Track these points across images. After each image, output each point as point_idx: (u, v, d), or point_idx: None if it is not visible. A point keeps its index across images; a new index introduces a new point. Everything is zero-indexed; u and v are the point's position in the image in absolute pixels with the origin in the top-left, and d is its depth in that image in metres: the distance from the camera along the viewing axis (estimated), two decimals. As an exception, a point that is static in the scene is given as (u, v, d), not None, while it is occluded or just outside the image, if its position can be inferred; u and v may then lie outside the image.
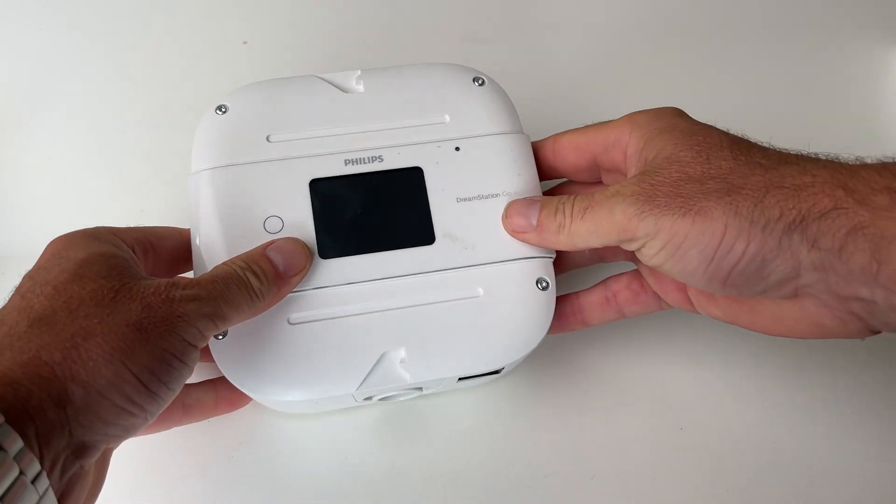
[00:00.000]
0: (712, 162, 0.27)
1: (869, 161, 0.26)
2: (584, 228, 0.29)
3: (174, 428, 0.32)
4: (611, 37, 0.50)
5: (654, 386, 0.37)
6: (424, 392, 0.33)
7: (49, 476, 0.22)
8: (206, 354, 0.29)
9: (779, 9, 0.52)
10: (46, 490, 0.21)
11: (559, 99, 0.46)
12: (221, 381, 0.33)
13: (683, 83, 0.48)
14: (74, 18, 0.50)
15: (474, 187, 0.32)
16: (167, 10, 0.51)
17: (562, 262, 0.35)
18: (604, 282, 0.34)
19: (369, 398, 0.32)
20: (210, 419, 0.34)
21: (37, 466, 0.21)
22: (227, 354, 0.29)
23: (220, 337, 0.29)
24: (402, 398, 0.33)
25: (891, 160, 0.26)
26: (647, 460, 0.35)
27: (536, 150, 0.34)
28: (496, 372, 0.32)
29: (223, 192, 0.31)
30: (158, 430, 0.32)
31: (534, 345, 0.31)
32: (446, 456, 0.34)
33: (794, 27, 0.51)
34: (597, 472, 0.34)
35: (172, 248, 0.31)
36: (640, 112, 0.31)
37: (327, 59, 0.49)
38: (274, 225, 0.31)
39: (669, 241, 0.27)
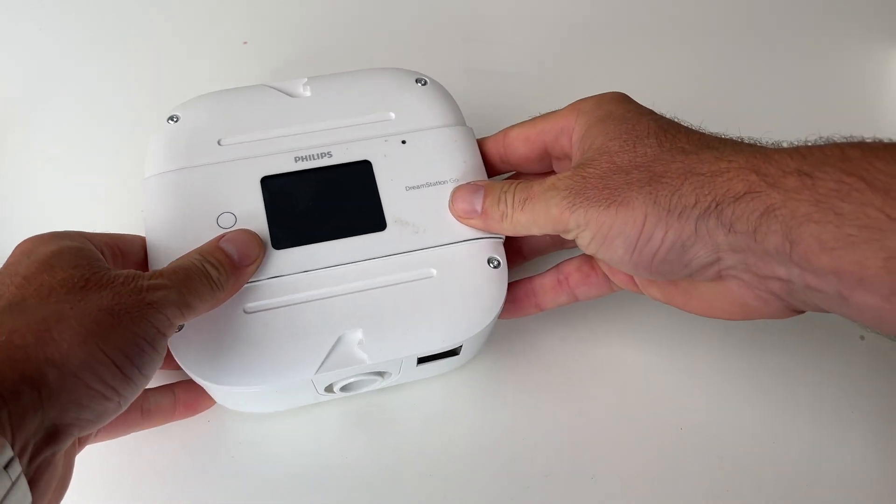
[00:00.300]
0: (638, 150, 0.29)
1: (785, 145, 0.27)
2: (524, 219, 0.31)
3: (154, 431, 0.32)
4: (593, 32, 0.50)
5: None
6: (387, 382, 0.33)
7: (20, 461, 0.22)
8: (166, 361, 0.29)
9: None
10: (19, 476, 0.21)
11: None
12: (180, 385, 0.34)
13: (677, 79, 0.48)
14: (74, 19, 0.50)
15: (422, 176, 0.34)
16: (167, 10, 0.51)
17: (523, 249, 0.36)
18: (557, 266, 0.35)
19: (330, 387, 0.32)
20: (210, 422, 0.34)
21: (9, 451, 0.21)
22: (184, 347, 0.30)
23: (176, 330, 0.30)
24: (364, 388, 0.33)
25: (804, 144, 0.26)
26: (647, 460, 0.35)
27: (487, 145, 0.36)
28: (455, 354, 0.33)
29: (176, 194, 0.32)
30: (118, 436, 0.32)
31: (488, 320, 0.32)
32: (445, 455, 0.34)
33: (773, 21, 0.51)
34: (597, 472, 0.34)
35: (140, 254, 0.32)
36: (584, 99, 0.33)
37: (328, 58, 0.49)
38: (227, 220, 0.32)
39: (597, 231, 0.28)
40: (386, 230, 0.33)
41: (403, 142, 0.35)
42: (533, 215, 0.30)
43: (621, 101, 0.32)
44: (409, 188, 0.34)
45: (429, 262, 0.32)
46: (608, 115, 0.31)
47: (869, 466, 0.35)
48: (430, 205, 0.33)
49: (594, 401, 0.36)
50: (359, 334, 0.30)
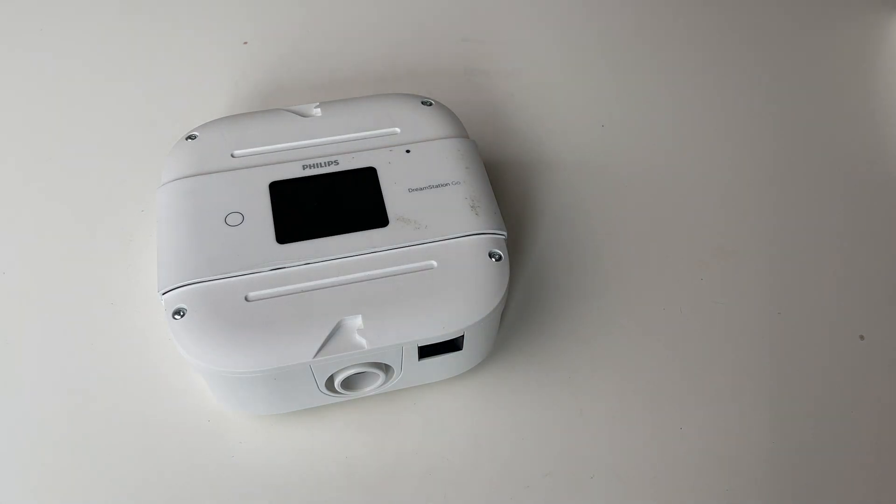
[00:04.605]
0: None
1: None
2: None
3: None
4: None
5: (648, 378, 0.37)
6: (390, 383, 0.33)
7: None
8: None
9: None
10: None
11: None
12: None
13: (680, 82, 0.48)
14: (75, 19, 0.50)
15: (425, 179, 0.36)
16: (167, 9, 0.51)
17: None
18: None
19: (331, 383, 0.32)
20: (210, 422, 0.34)
21: None
22: (185, 333, 0.30)
23: (178, 317, 0.30)
24: (367, 388, 0.33)
25: None
26: (647, 460, 0.35)
27: None
28: (457, 348, 0.33)
29: (186, 196, 0.34)
30: None
31: (488, 310, 0.32)
32: (444, 454, 0.34)
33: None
34: (597, 471, 0.34)
35: None
36: None
37: (327, 58, 0.49)
38: (235, 219, 0.34)
39: None
40: (388, 226, 0.34)
41: (408, 151, 0.36)
42: None
43: None
44: (411, 190, 0.35)
45: (430, 255, 0.33)
46: None
47: (869, 467, 0.35)
48: (433, 204, 0.35)
49: (594, 401, 0.36)
50: (358, 320, 0.31)
